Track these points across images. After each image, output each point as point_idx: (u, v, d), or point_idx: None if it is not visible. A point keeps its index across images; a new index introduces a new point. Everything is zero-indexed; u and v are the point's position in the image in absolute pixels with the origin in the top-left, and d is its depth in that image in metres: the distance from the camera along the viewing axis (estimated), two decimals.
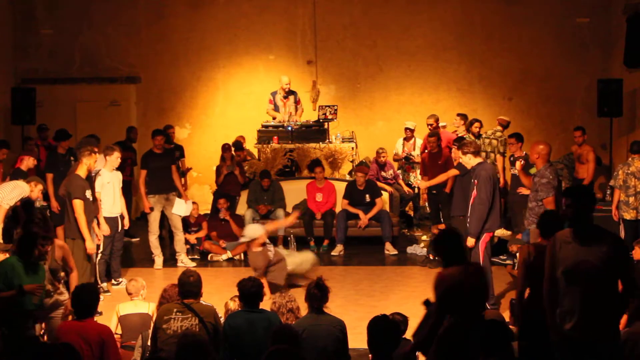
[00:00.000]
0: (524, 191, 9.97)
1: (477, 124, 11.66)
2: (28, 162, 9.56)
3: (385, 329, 4.82)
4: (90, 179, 8.42)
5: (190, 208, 10.32)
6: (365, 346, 6.02)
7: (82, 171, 8.11)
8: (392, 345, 4.79)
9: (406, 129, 11.94)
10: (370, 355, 5.03)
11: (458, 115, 11.89)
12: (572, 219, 4.85)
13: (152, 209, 9.91)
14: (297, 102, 12.31)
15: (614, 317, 4.84)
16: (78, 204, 7.87)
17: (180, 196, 10.15)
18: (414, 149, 11.92)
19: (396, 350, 4.89)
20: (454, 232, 5.22)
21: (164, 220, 10.43)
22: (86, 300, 5.66)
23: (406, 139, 12.00)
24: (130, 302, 6.76)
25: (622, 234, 9.31)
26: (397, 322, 4.93)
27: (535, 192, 7.78)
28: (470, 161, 7.99)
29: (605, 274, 4.71)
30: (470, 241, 7.79)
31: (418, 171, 11.79)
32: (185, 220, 10.37)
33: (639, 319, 5.56)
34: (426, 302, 5.26)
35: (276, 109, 12.18)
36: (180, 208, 10.04)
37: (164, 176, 9.97)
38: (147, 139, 12.74)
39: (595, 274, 4.69)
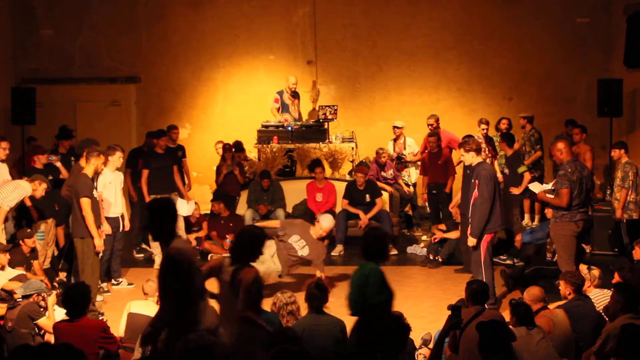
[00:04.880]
0: (514, 190, 10.03)
1: (505, 121, 11.63)
2: (41, 160, 9.67)
3: (397, 329, 4.81)
4: (93, 180, 8.44)
5: (192, 208, 10.33)
6: None
7: (89, 171, 8.11)
8: (400, 346, 4.78)
9: (394, 127, 11.90)
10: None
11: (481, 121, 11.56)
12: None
13: None
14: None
15: None
16: (86, 202, 7.86)
17: (182, 196, 10.16)
18: (405, 148, 11.91)
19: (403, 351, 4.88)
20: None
21: None
22: (78, 300, 5.68)
23: (395, 139, 11.97)
24: (142, 301, 6.75)
25: (625, 234, 9.36)
26: (408, 324, 4.93)
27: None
28: (471, 159, 7.94)
29: None
30: (472, 241, 7.78)
31: (412, 169, 11.82)
32: (186, 220, 10.38)
33: (621, 314, 5.59)
34: (451, 307, 5.25)
35: (284, 107, 12.16)
36: (182, 208, 10.05)
37: (166, 176, 10.00)
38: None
39: None
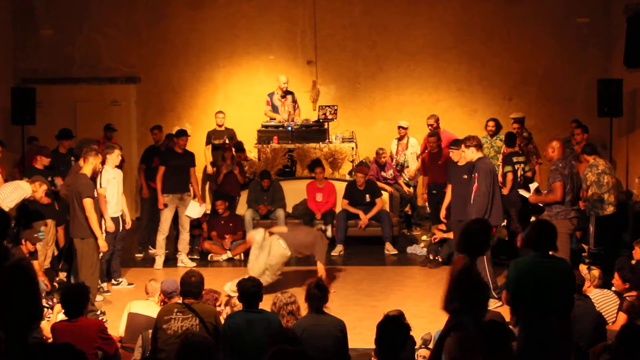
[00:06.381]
0: (503, 190, 10.05)
1: (491, 123, 11.60)
2: (43, 161, 9.64)
3: (397, 329, 4.80)
4: (92, 179, 8.44)
5: (204, 210, 10.37)
6: (365, 346, 6.00)
7: (87, 170, 8.10)
8: (401, 346, 4.78)
9: (399, 127, 11.90)
10: (374, 356, 5.01)
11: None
12: None
13: (166, 205, 9.93)
14: (294, 102, 12.32)
15: None
16: (89, 203, 7.84)
17: (194, 197, 10.18)
18: (407, 148, 11.90)
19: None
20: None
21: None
22: (76, 300, 5.69)
23: (399, 139, 11.97)
24: (143, 301, 6.75)
25: (592, 231, 9.39)
26: (408, 324, 4.91)
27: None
28: (472, 154, 8.04)
29: None
30: None
31: (411, 168, 11.82)
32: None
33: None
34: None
35: (274, 109, 12.18)
36: (193, 210, 10.06)
37: (181, 176, 10.00)
38: (148, 138, 12.78)
39: None
